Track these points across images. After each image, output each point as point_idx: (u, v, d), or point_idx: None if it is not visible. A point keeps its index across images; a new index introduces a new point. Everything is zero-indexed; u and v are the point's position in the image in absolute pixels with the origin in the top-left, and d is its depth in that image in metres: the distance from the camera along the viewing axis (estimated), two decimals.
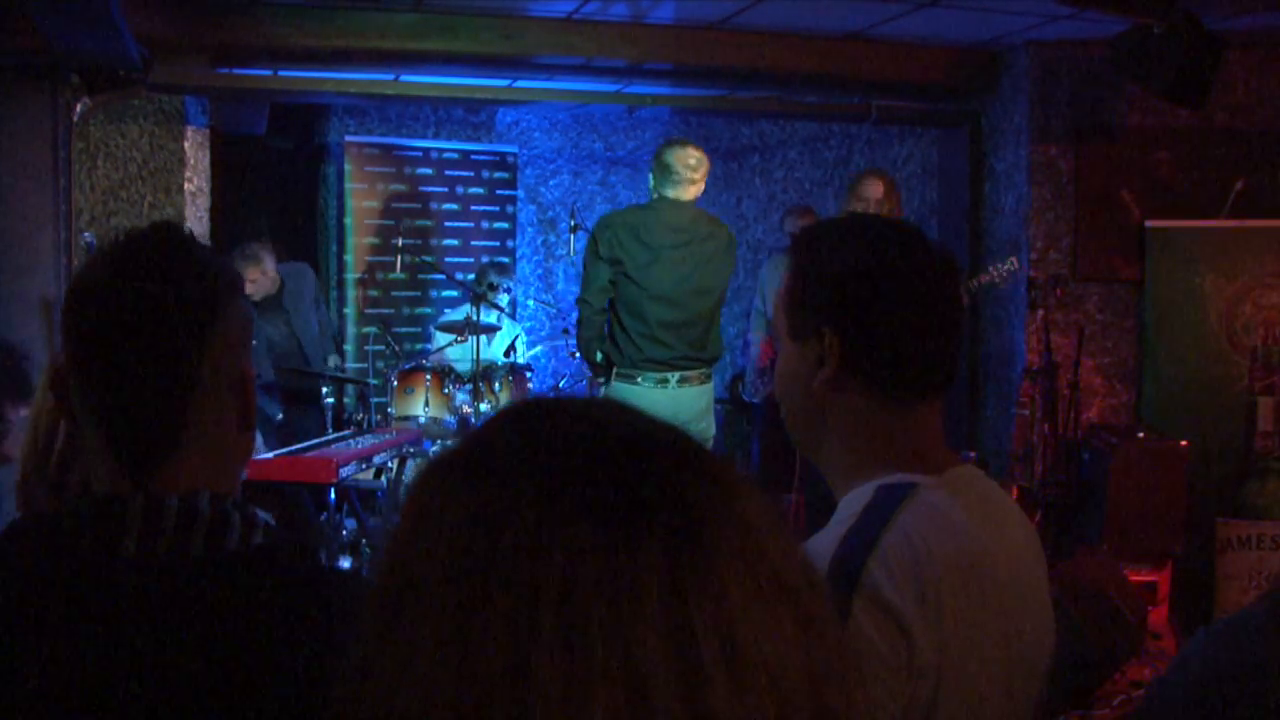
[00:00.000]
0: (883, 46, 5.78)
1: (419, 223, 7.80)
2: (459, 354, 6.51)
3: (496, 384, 6.28)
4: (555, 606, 0.58)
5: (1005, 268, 5.36)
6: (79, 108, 5.22)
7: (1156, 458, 4.97)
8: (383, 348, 6.84)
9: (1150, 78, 4.80)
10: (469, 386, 6.24)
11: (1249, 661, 1.27)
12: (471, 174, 8.07)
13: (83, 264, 1.22)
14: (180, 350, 1.16)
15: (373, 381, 6.47)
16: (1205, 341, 5.50)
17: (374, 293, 7.56)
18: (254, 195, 7.24)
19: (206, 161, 6.03)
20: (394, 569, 0.65)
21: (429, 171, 7.95)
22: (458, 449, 0.69)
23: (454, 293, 7.56)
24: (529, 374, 6.59)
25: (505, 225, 8.22)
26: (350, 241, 7.71)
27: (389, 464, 5.51)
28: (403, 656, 0.61)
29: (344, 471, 4.65)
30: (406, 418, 6.10)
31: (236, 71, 5.68)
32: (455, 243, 8.01)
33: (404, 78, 6.11)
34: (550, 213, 8.47)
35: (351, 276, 7.67)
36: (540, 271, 8.54)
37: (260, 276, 5.99)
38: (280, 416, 6.10)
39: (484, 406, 6.15)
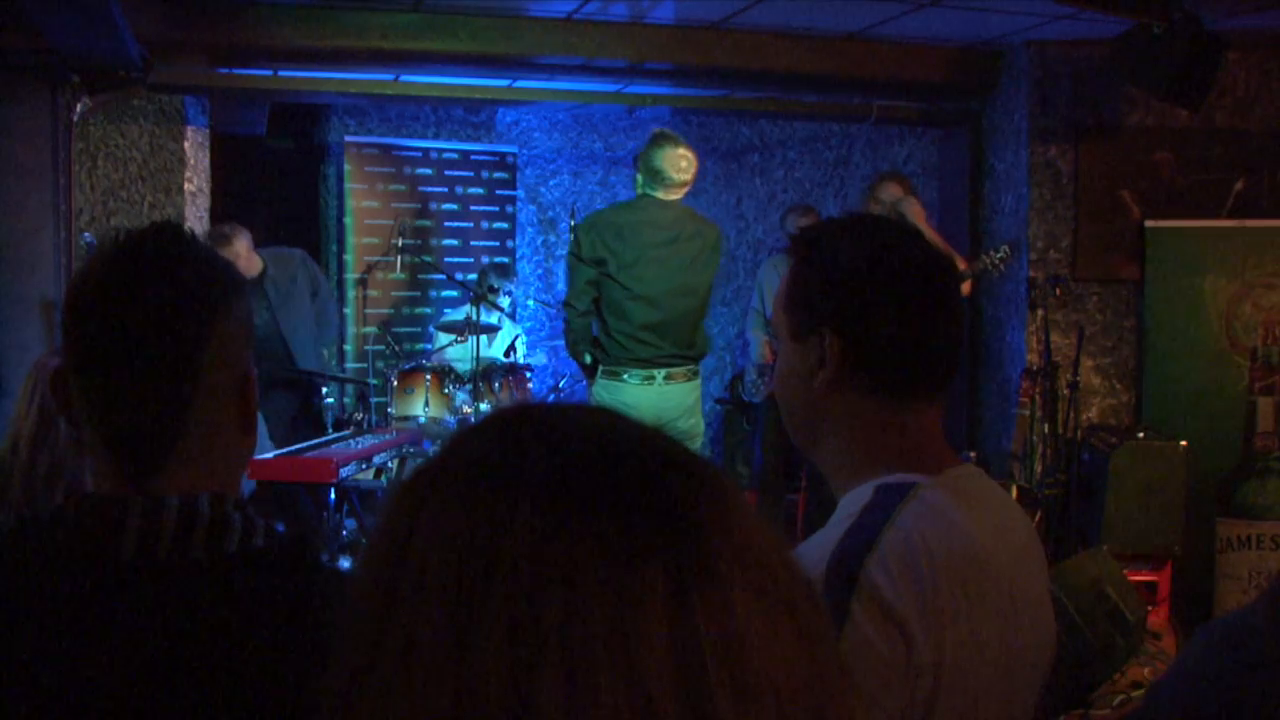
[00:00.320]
0: (883, 46, 5.78)
1: (419, 223, 7.80)
2: (459, 354, 6.51)
3: (496, 384, 6.28)
4: (557, 633, 0.56)
5: (998, 255, 5.40)
6: (79, 108, 5.23)
7: (1156, 458, 4.97)
8: (383, 348, 6.84)
9: (1150, 78, 4.80)
10: (469, 387, 6.24)
11: (1248, 662, 1.27)
12: (471, 174, 8.07)
13: (83, 264, 1.21)
14: (181, 351, 1.16)
15: (373, 381, 6.47)
16: (1205, 341, 5.50)
17: (374, 293, 7.55)
18: (254, 195, 7.25)
19: (206, 161, 6.02)
20: (378, 589, 0.61)
21: (429, 171, 7.95)
22: (443, 460, 0.65)
23: (454, 293, 7.56)
24: (529, 374, 6.59)
25: (505, 225, 8.22)
26: (350, 241, 7.70)
27: (389, 464, 5.51)
28: (393, 684, 0.58)
29: (344, 471, 4.66)
30: (406, 418, 6.10)
31: (236, 71, 5.69)
32: (455, 243, 8.01)
33: (404, 78, 6.11)
34: (550, 213, 8.47)
35: (351, 276, 7.66)
36: (540, 272, 8.54)
37: (232, 259, 5.83)
38: None
39: (484, 406, 6.15)
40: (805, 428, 1.45)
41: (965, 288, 5.52)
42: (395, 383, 6.17)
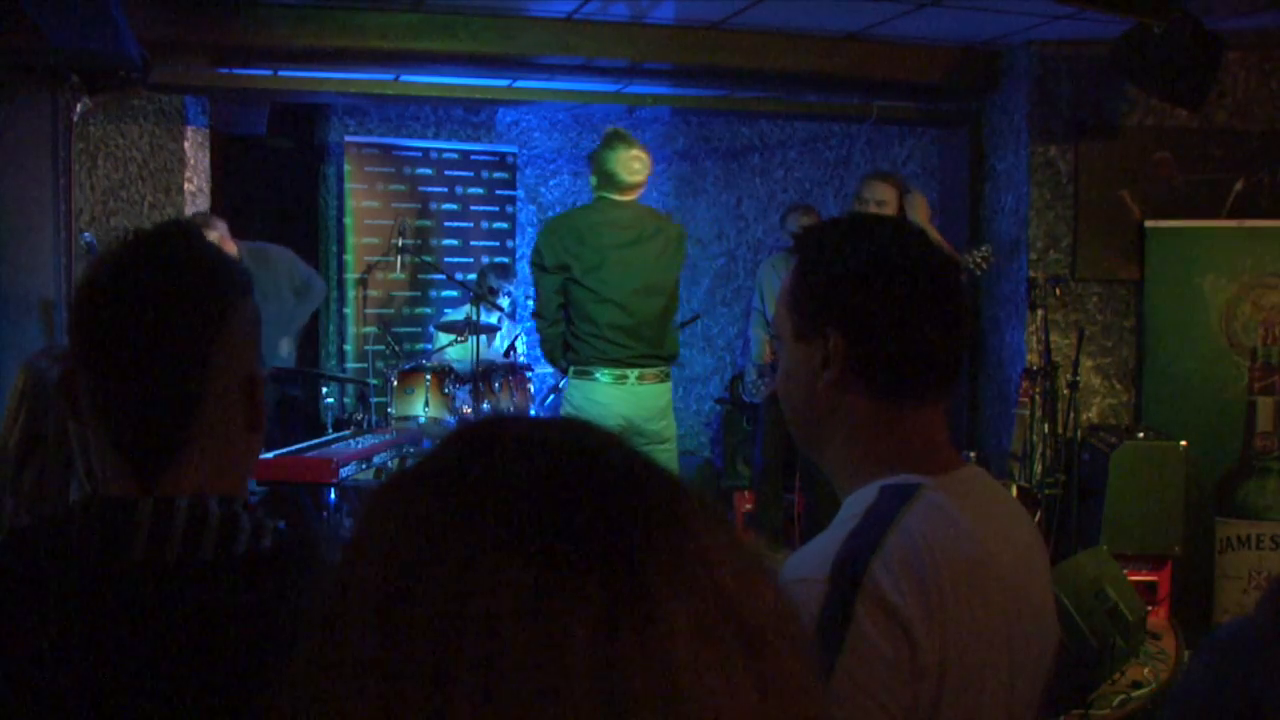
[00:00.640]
0: (883, 46, 5.78)
1: (419, 223, 7.80)
2: (459, 354, 6.51)
3: (496, 384, 6.28)
4: (475, 648, 0.54)
5: (979, 254, 5.40)
6: (79, 108, 5.22)
7: (1155, 458, 4.97)
8: (383, 348, 6.84)
9: (1150, 78, 4.80)
10: (469, 386, 6.24)
11: (1254, 671, 1.26)
12: (471, 174, 8.07)
13: (90, 263, 1.21)
14: (189, 351, 1.16)
15: (373, 381, 6.47)
16: (1205, 341, 5.50)
17: (374, 293, 7.55)
18: (254, 195, 7.24)
19: (206, 161, 6.03)
20: (326, 598, 0.61)
21: (429, 171, 7.96)
22: (410, 468, 0.64)
23: (454, 293, 7.56)
24: (529, 374, 6.59)
25: (505, 225, 8.22)
26: (350, 241, 7.71)
27: (389, 464, 5.51)
28: (329, 683, 0.58)
29: (344, 471, 4.66)
30: (406, 418, 6.10)
31: (236, 71, 5.69)
32: (455, 243, 8.02)
33: (404, 78, 6.11)
34: (550, 213, 8.47)
35: (351, 276, 7.66)
36: None
37: None
38: None
39: (484, 406, 6.15)
40: (809, 428, 1.45)
41: None
42: (395, 383, 6.17)
